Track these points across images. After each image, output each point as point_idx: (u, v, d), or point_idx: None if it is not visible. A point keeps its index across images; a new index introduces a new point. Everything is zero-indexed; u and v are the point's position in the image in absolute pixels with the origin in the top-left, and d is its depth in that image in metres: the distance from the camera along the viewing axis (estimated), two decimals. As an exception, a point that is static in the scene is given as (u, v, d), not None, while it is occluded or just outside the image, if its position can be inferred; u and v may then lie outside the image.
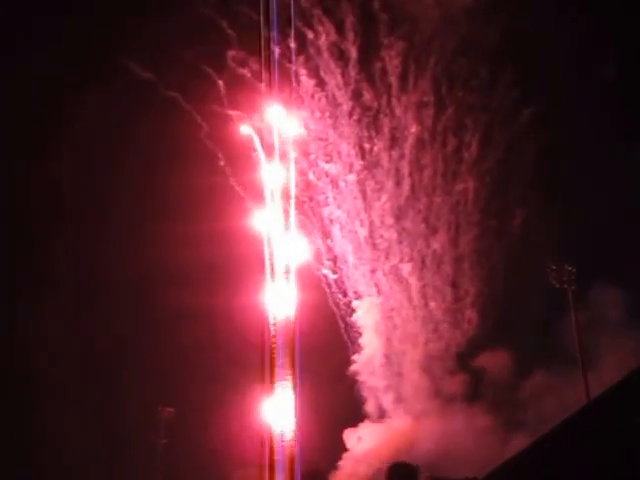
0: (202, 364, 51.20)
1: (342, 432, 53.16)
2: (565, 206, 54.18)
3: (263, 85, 51.51)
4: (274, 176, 52.43)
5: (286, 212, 52.26)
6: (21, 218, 54.25)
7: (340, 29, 53.21)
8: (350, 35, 53.20)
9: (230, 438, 48.96)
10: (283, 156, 52.47)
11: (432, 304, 55.45)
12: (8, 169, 53.02)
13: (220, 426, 49.44)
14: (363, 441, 52.77)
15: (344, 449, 52.78)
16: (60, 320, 53.50)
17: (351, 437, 53.19)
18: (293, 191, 52.44)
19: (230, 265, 51.11)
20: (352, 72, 53.85)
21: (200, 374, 51.08)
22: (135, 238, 53.11)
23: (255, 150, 52.47)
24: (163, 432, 50.33)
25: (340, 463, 52.29)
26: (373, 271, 56.26)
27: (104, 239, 54.05)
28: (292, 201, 52.54)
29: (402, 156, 55.06)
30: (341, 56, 53.71)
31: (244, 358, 50.88)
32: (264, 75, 51.27)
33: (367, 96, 54.33)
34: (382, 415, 54.06)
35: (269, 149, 52.41)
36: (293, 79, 52.81)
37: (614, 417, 17.67)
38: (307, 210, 54.63)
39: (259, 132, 52.56)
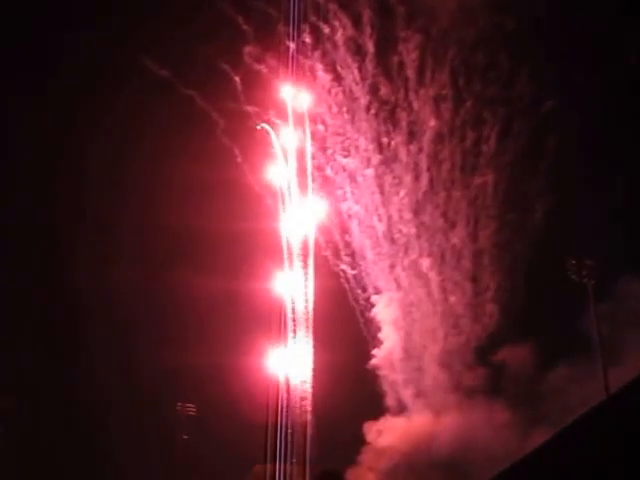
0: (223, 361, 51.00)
1: (362, 426, 52.80)
2: (588, 198, 53.11)
3: (279, 80, 51.33)
4: (289, 140, 52.70)
5: (302, 175, 52.22)
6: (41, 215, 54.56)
7: (356, 23, 52.70)
8: (367, 29, 52.66)
9: (250, 432, 48.87)
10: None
11: (452, 298, 54.71)
12: (29, 163, 53.12)
13: (241, 422, 49.29)
14: (383, 435, 52.34)
15: (364, 442, 52.51)
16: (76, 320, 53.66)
17: (371, 430, 52.78)
18: (309, 151, 52.31)
19: (247, 264, 51.17)
20: (369, 66, 53.33)
21: (220, 370, 50.85)
22: (150, 233, 53.18)
23: (272, 146, 52.44)
24: (184, 428, 50.12)
25: (360, 457, 52.07)
26: (392, 266, 55.69)
27: (118, 236, 53.94)
28: (309, 163, 52.37)
29: (420, 150, 54.37)
30: (358, 50, 53.20)
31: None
32: (281, 70, 51.06)
33: (384, 90, 53.75)
34: (402, 409, 53.62)
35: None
36: (309, 73, 52.62)
37: (634, 412, 17.00)
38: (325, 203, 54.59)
39: (276, 127, 52.53)
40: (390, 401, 53.51)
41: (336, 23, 52.30)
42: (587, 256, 48.16)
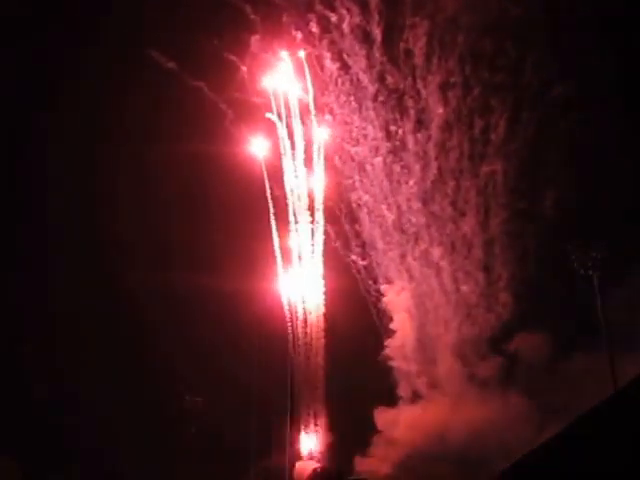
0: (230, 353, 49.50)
1: (374, 416, 50.97)
2: (600, 185, 50.77)
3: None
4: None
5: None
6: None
7: (363, 11, 50.53)
8: (374, 17, 50.42)
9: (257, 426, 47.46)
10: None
11: (464, 288, 52.78)
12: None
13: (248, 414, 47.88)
14: (395, 425, 50.50)
15: (375, 432, 50.58)
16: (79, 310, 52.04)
17: (383, 419, 50.88)
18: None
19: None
20: (377, 54, 51.17)
21: (228, 362, 49.32)
22: (159, 225, 51.49)
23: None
24: (192, 421, 48.82)
25: (371, 447, 50.17)
26: (403, 256, 53.90)
27: (126, 220, 52.27)
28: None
29: (429, 138, 52.28)
30: (365, 38, 51.02)
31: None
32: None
33: (392, 78, 51.58)
34: (415, 400, 51.77)
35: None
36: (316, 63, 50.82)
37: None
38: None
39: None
40: (403, 391, 52.02)
41: (343, 11, 50.26)
42: (592, 247, 46.09)
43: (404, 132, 51.90)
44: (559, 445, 17.56)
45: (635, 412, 15.50)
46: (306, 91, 52.25)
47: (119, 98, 51.19)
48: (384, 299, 53.55)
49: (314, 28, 49.92)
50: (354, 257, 54.20)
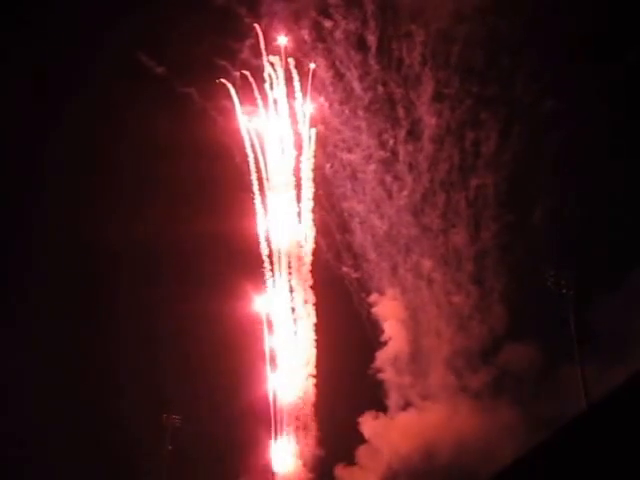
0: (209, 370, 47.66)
1: (362, 425, 48.95)
2: (591, 198, 49.32)
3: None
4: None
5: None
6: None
7: (358, 18, 49.16)
8: (369, 24, 48.99)
9: (236, 443, 45.54)
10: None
11: (456, 299, 51.11)
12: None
13: (226, 432, 46.04)
14: (382, 435, 48.49)
15: (362, 441, 48.61)
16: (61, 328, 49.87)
17: (369, 425, 48.89)
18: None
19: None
20: (371, 62, 49.75)
21: (206, 380, 47.53)
22: (145, 232, 49.67)
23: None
24: (169, 439, 46.87)
25: (358, 457, 48.21)
26: (394, 267, 52.26)
27: (113, 235, 50.29)
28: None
29: (421, 149, 50.80)
30: (360, 46, 49.62)
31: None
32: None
33: (387, 87, 50.21)
34: (404, 411, 49.67)
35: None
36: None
37: (616, 424, 13.93)
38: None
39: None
40: (392, 403, 50.04)
41: (338, 17, 48.82)
42: (566, 266, 45.01)
43: (396, 142, 50.52)
44: (536, 457, 16.09)
45: (611, 423, 14.14)
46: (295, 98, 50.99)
47: (111, 101, 49.65)
48: (376, 310, 51.90)
49: (307, 35, 48.65)
50: (346, 269, 52.64)
